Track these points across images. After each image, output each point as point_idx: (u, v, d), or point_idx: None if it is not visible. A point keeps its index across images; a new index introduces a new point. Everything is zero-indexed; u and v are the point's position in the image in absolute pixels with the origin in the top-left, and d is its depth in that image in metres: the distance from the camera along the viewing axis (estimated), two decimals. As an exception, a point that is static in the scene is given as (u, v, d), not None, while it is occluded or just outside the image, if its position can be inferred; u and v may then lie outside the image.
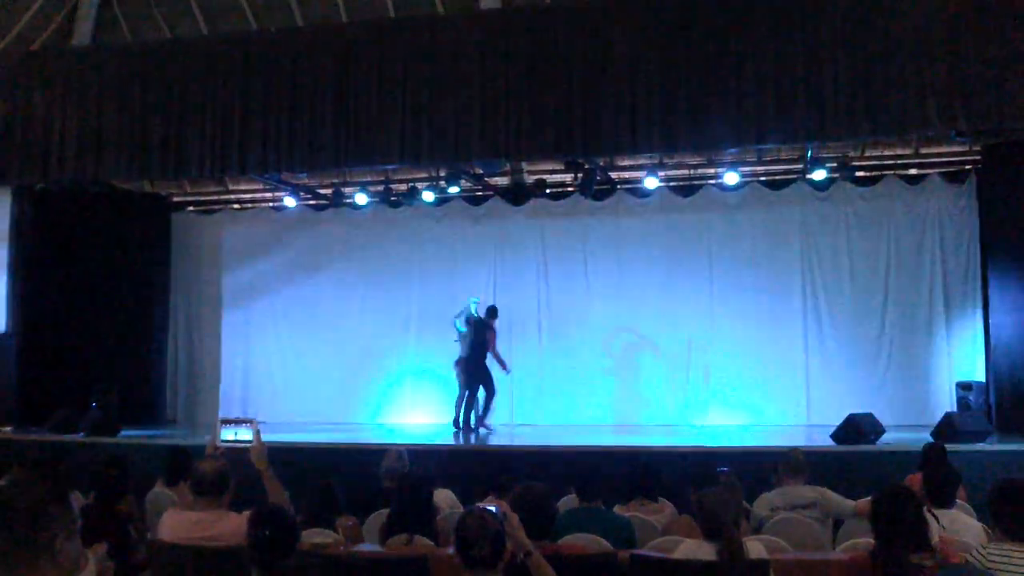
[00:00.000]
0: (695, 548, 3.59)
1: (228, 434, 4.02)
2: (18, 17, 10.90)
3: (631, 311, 11.12)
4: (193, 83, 8.89)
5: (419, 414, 11.29)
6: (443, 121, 8.22)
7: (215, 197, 12.71)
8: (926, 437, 7.51)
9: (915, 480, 4.84)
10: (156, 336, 12.14)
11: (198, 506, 3.87)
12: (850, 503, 4.96)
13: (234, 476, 3.87)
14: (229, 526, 3.72)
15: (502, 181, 11.71)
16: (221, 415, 5.90)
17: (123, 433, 9.31)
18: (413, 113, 8.28)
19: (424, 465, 5.86)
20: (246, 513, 3.77)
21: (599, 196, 11.25)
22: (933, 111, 7.28)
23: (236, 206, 12.73)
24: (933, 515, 3.98)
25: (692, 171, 11.16)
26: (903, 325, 10.54)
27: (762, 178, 11.10)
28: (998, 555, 3.37)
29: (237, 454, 3.95)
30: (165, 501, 5.58)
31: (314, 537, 4.18)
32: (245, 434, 4.00)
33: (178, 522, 3.87)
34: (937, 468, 4.55)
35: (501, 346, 10.45)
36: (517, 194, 11.69)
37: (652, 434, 9.73)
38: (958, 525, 4.14)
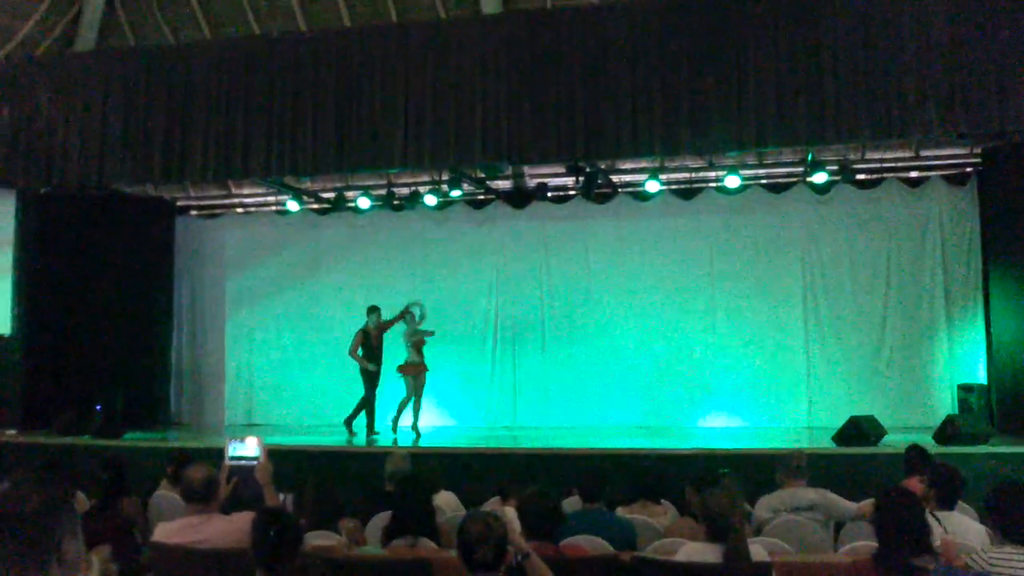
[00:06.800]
0: (699, 550, 3.59)
1: (235, 450, 4.06)
2: (23, 22, 10.95)
3: (633, 314, 11.13)
4: (196, 88, 8.92)
5: (422, 417, 11.28)
6: (445, 125, 8.24)
7: (218, 201, 12.74)
8: (928, 439, 7.51)
9: (912, 484, 4.84)
10: (160, 339, 12.18)
11: (188, 511, 3.94)
12: (852, 505, 4.97)
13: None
14: (217, 528, 3.76)
15: (504, 185, 11.73)
16: (227, 434, 5.89)
17: (128, 436, 9.35)
18: (415, 117, 8.30)
19: (428, 468, 5.87)
20: (235, 515, 3.79)
21: (601, 199, 11.27)
22: (934, 113, 7.28)
23: (239, 210, 12.76)
24: (935, 517, 4.00)
25: (693, 174, 11.16)
26: (904, 327, 10.52)
27: (763, 181, 11.10)
28: (999, 558, 3.38)
29: (244, 471, 3.99)
30: (169, 503, 5.60)
31: (317, 539, 4.20)
32: (252, 450, 4.04)
33: (168, 528, 3.91)
34: (942, 469, 4.55)
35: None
36: (519, 198, 11.71)
37: (654, 436, 9.73)
38: (960, 527, 4.15)
